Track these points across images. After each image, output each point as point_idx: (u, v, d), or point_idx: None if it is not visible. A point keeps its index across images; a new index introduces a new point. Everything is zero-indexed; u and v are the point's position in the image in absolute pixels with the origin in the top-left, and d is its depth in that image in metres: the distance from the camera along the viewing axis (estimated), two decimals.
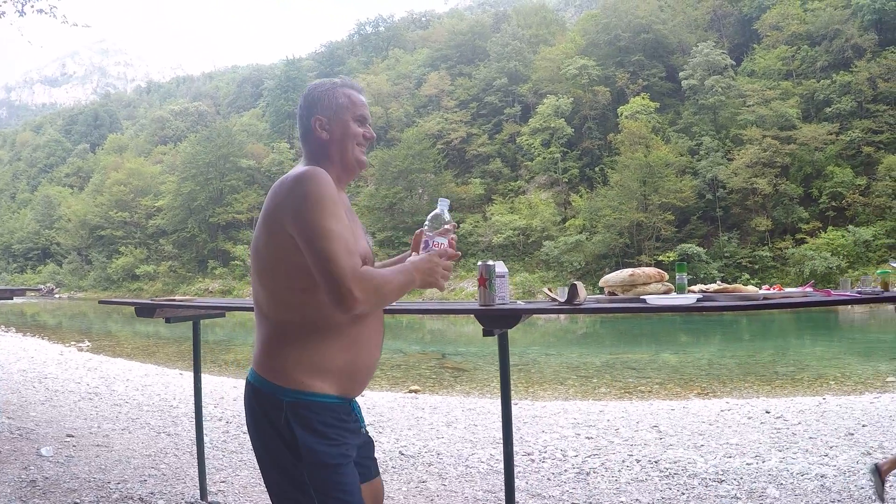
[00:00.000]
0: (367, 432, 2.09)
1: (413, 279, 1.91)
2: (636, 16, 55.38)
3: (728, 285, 2.38)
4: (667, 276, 2.57)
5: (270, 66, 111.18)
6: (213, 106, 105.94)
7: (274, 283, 1.88)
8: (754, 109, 44.25)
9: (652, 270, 2.53)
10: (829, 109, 43.55)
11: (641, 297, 2.36)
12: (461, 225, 50.86)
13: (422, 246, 2.05)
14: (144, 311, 3.33)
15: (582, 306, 2.34)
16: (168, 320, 3.40)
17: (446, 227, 2.02)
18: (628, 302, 2.46)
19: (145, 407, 8.02)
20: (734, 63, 49.71)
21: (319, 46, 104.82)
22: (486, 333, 2.31)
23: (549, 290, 2.55)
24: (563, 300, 2.39)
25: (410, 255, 2.12)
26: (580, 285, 2.34)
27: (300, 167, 1.90)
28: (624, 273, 2.55)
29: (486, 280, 2.39)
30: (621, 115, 49.00)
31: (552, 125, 52.26)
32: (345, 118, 1.99)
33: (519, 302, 2.41)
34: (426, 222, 2.10)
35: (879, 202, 38.51)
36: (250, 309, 3.09)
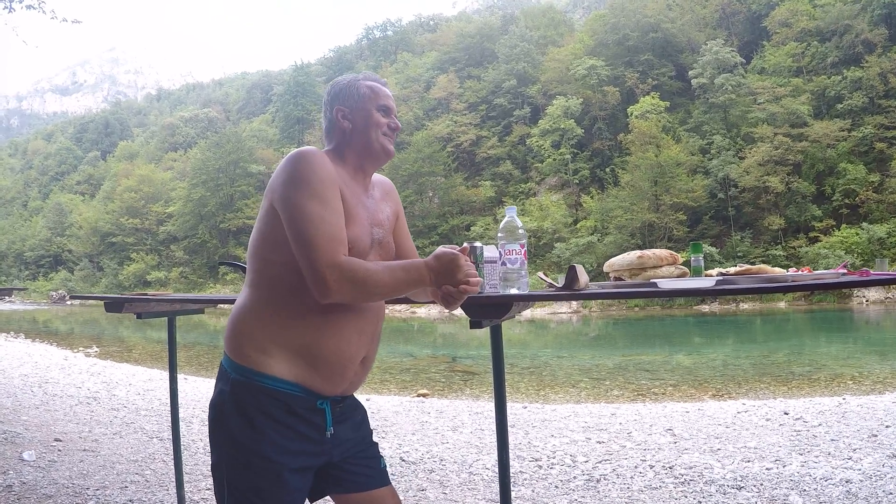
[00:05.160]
0: (330, 436, 1.80)
1: (422, 276, 1.72)
2: (644, 15, 55.00)
3: (751, 266, 2.09)
4: (680, 259, 2.26)
5: (279, 72, 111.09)
6: (223, 112, 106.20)
7: (260, 253, 1.79)
8: (765, 107, 43.83)
9: (663, 252, 2.22)
10: (841, 106, 43.04)
11: (652, 280, 2.07)
12: (471, 228, 50.63)
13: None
14: (113, 306, 3.10)
15: (583, 291, 2.05)
16: (139, 316, 3.17)
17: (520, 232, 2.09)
18: (637, 287, 2.17)
19: (143, 411, 7.82)
20: (744, 61, 49.22)
21: (328, 51, 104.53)
22: (474, 325, 2.02)
23: (545, 274, 2.25)
24: (561, 286, 2.10)
25: None
26: (580, 269, 2.02)
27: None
28: (632, 255, 2.23)
29: (473, 264, 2.13)
30: (631, 115, 48.56)
31: (562, 126, 51.91)
32: (367, 107, 1.90)
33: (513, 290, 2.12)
34: (499, 233, 2.13)
35: (893, 199, 37.97)
36: (230, 302, 2.85)
